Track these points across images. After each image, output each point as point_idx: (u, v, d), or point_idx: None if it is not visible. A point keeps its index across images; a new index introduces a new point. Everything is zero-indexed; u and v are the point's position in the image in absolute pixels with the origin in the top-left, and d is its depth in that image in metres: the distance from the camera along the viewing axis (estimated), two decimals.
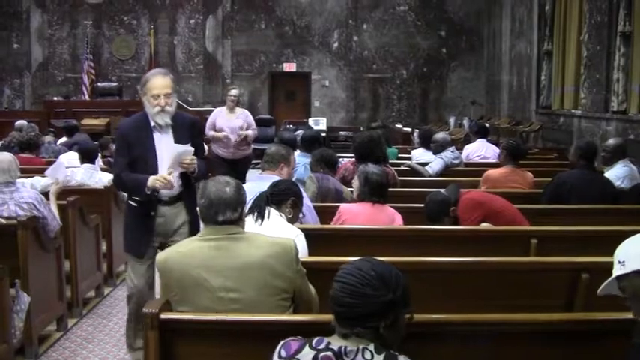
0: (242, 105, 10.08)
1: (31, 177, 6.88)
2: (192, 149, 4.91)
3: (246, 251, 3.27)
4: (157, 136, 4.98)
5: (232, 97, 9.75)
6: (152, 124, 4.96)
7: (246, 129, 9.72)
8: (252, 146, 10.15)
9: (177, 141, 4.94)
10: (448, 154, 8.75)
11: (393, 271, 2.56)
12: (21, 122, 11.47)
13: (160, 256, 3.39)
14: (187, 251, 3.32)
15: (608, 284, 2.71)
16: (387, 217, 5.29)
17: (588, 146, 7.01)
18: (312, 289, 3.48)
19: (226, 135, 9.58)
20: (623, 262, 2.63)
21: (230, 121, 9.67)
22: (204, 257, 3.26)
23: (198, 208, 3.47)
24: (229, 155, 9.73)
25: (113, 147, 6.79)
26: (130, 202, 5.10)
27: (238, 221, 3.37)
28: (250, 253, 3.26)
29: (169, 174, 4.83)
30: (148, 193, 4.89)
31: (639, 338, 2.53)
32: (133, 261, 5.15)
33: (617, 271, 2.64)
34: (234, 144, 9.63)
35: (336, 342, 2.51)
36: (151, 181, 4.84)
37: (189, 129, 5.10)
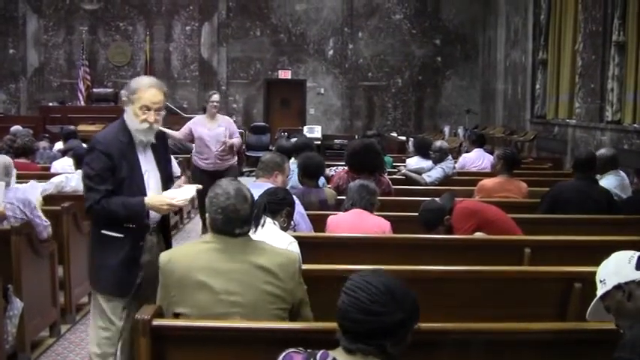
0: (236, 112, 9.68)
1: (26, 182, 6.86)
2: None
3: (251, 257, 3.30)
4: (140, 153, 4.26)
5: (215, 104, 9.16)
6: (136, 139, 4.23)
7: (229, 137, 9.18)
8: (248, 154, 9.78)
9: (159, 160, 4.37)
10: (448, 164, 8.77)
11: (403, 288, 2.46)
12: (16, 127, 11.47)
13: (164, 256, 3.39)
14: (193, 253, 3.35)
15: (594, 307, 2.78)
16: (374, 225, 5.30)
17: (586, 156, 7.02)
18: (310, 313, 3.46)
19: (177, 136, 9.42)
20: (604, 280, 2.72)
21: (211, 130, 9.14)
22: (209, 259, 3.28)
23: (209, 218, 3.37)
24: (210, 167, 9.16)
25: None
26: (108, 232, 4.15)
27: (249, 232, 3.42)
28: (255, 260, 3.29)
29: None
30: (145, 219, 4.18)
31: (621, 352, 2.55)
32: (110, 303, 4.21)
33: (600, 290, 2.71)
34: (216, 154, 9.13)
35: (341, 357, 2.44)
36: (155, 201, 4.13)
37: (163, 143, 4.49)
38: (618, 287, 2.68)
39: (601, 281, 2.75)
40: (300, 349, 2.54)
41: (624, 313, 2.67)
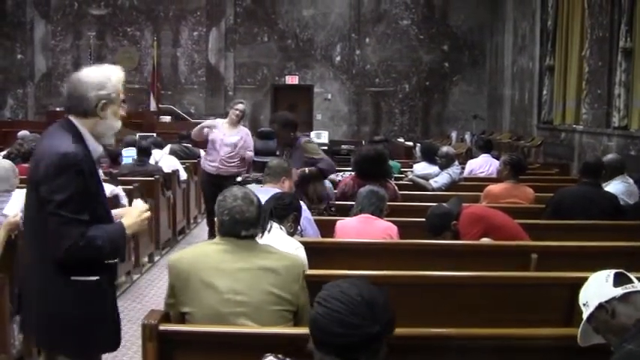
0: (244, 118, 9.51)
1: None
2: None
3: (257, 259, 3.35)
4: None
5: (238, 112, 9.06)
6: (96, 150, 3.42)
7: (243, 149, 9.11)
8: (255, 159, 9.63)
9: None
10: (455, 170, 8.76)
11: (382, 298, 2.36)
12: (23, 132, 11.48)
13: (174, 255, 3.46)
14: (200, 254, 3.42)
15: (583, 331, 2.81)
16: (381, 230, 5.30)
17: (595, 162, 7.00)
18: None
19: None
20: (586, 303, 2.76)
21: (226, 136, 9.02)
22: (217, 259, 3.33)
23: (217, 221, 3.43)
24: (214, 170, 9.07)
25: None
26: (80, 277, 3.22)
27: (257, 235, 3.50)
28: (261, 261, 3.35)
29: None
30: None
31: None
32: None
33: (585, 313, 2.73)
34: (222, 158, 9.00)
35: None
36: (132, 221, 3.39)
37: None
38: (600, 307, 2.71)
39: (584, 305, 2.78)
40: (280, 355, 2.52)
41: (612, 331, 2.69)
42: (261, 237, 4.03)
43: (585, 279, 2.84)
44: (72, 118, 3.39)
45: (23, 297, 3.42)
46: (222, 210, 3.39)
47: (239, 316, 3.24)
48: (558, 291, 4.12)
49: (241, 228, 3.36)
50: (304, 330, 3.10)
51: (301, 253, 4.15)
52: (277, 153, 7.77)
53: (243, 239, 3.38)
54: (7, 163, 5.91)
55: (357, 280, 2.46)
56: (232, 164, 9.09)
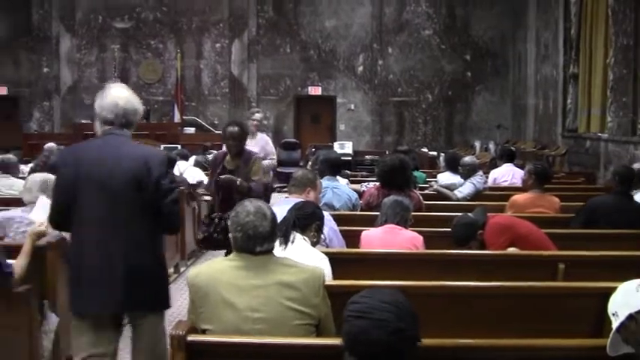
0: (267, 129, 9.27)
1: None
2: None
3: (274, 274, 3.31)
4: None
5: (255, 122, 8.90)
6: None
7: (263, 157, 8.47)
8: (278, 170, 9.36)
9: None
10: (478, 179, 8.72)
11: (408, 302, 2.54)
12: (50, 145, 11.59)
13: (193, 271, 3.44)
14: (219, 269, 3.38)
15: (612, 341, 2.78)
16: (406, 241, 5.27)
17: (625, 171, 6.92)
18: (332, 326, 3.45)
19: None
20: (616, 312, 2.73)
21: (249, 147, 8.35)
22: (233, 276, 3.30)
23: (231, 237, 3.42)
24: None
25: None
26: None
27: (272, 249, 3.44)
28: (278, 276, 3.30)
29: None
30: None
31: None
32: None
33: (614, 324, 2.71)
34: None
35: None
36: None
37: None
38: (630, 318, 2.68)
39: (613, 314, 2.76)
40: None
41: None
42: (285, 249, 4.03)
43: (614, 289, 2.82)
44: (126, 130, 4.04)
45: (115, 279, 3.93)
46: (235, 226, 3.36)
47: (258, 334, 3.21)
48: (587, 301, 4.08)
49: (255, 244, 3.32)
50: (329, 340, 3.12)
51: (325, 264, 4.12)
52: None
53: (258, 255, 3.34)
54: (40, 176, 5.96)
55: (382, 289, 2.58)
56: None
